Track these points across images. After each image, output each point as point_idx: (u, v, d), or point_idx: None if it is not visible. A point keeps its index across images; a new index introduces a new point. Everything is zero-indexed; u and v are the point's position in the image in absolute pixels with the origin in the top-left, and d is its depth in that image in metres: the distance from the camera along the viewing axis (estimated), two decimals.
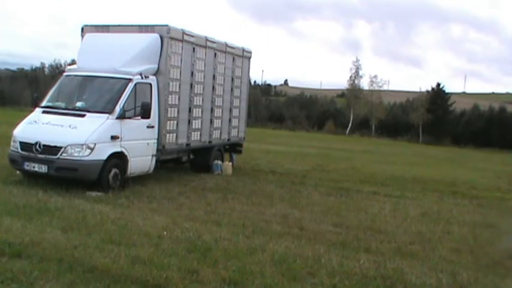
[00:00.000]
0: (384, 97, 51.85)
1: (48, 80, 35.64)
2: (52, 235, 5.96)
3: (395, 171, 17.14)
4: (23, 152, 9.20)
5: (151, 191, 9.42)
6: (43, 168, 8.95)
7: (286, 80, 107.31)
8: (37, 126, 9.47)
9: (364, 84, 52.46)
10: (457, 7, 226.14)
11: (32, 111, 10.26)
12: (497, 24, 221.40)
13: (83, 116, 9.38)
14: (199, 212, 8.08)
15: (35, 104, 10.37)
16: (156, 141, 10.38)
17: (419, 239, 7.43)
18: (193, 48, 11.42)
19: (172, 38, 10.59)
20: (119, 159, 9.43)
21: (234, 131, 13.89)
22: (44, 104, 10.15)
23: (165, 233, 6.46)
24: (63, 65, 48.79)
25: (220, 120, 12.93)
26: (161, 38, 10.44)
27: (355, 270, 5.57)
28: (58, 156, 8.88)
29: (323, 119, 51.39)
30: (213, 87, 12.41)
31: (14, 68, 62.37)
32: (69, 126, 9.15)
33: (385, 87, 54.76)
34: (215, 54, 12.35)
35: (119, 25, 11.02)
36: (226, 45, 12.90)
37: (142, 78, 10.00)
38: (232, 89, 13.44)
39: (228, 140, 13.64)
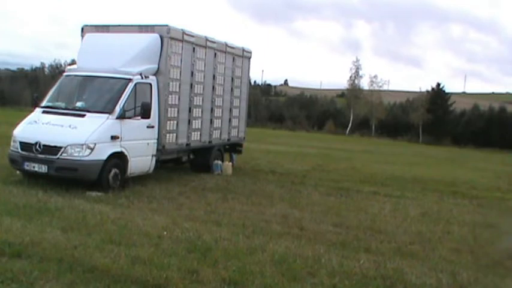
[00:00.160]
0: (384, 97, 51.86)
1: (48, 80, 35.65)
2: (52, 235, 5.96)
3: (395, 171, 17.14)
4: (23, 152, 9.20)
5: (151, 191, 9.42)
6: (43, 168, 8.95)
7: (286, 80, 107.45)
8: (37, 126, 9.47)
9: (364, 84, 52.57)
10: (457, 7, 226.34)
11: (32, 111, 10.26)
12: (497, 24, 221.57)
13: (83, 116, 9.38)
14: (199, 212, 8.08)
15: (35, 104, 10.37)
16: (156, 141, 10.38)
17: (419, 239, 7.43)
18: (193, 48, 11.42)
19: (172, 38, 10.59)
20: (119, 159, 9.43)
21: (234, 131, 13.89)
22: (44, 104, 10.15)
23: (165, 233, 6.46)
24: (63, 65, 48.83)
25: (220, 120, 12.94)
26: (161, 38, 10.44)
27: (355, 270, 5.56)
28: (58, 156, 8.88)
29: (323, 119, 51.39)
30: (213, 87, 12.42)
31: (14, 68, 62.48)
32: (69, 126, 9.15)
33: (385, 87, 54.85)
34: (215, 54, 12.36)
35: (119, 25, 11.02)
36: (226, 45, 12.90)
37: (142, 78, 10.00)
38: (232, 89, 13.44)
39: (228, 140, 13.64)
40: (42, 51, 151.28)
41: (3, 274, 4.67)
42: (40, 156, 8.98)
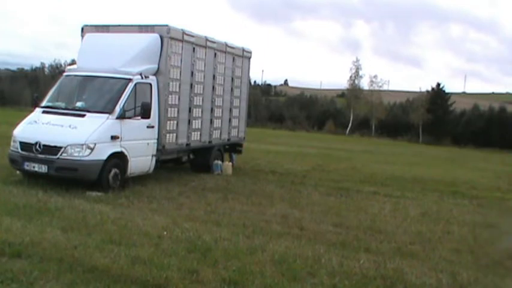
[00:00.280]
0: (384, 97, 51.83)
1: (48, 80, 35.65)
2: (52, 235, 5.96)
3: (395, 171, 17.14)
4: (23, 152, 9.20)
5: (151, 191, 9.42)
6: (43, 168, 8.95)
7: (286, 80, 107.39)
8: (37, 126, 9.47)
9: (364, 84, 52.49)
10: (456, 7, 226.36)
11: (32, 111, 10.26)
12: (497, 24, 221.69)
13: (83, 116, 9.38)
14: (199, 212, 8.08)
15: (35, 104, 10.37)
16: (156, 141, 10.38)
17: (419, 239, 7.44)
18: (193, 48, 11.42)
19: (172, 38, 10.59)
20: (119, 159, 9.43)
21: (234, 131, 13.89)
22: (44, 104, 10.15)
23: (165, 233, 6.46)
24: (63, 65, 48.83)
25: (220, 120, 12.94)
26: (161, 38, 10.44)
27: (355, 270, 5.57)
28: (58, 156, 8.88)
29: (323, 119, 51.36)
30: (213, 87, 12.42)
31: (14, 68, 62.48)
32: (69, 126, 9.15)
33: (385, 87, 54.80)
34: (215, 54, 12.35)
35: (119, 25, 11.02)
36: (226, 45, 12.91)
37: (142, 78, 10.00)
38: (232, 89, 13.44)
39: (228, 140, 13.64)
40: (42, 51, 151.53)
41: (3, 274, 4.67)
42: (40, 156, 8.98)
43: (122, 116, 9.42)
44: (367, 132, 48.89)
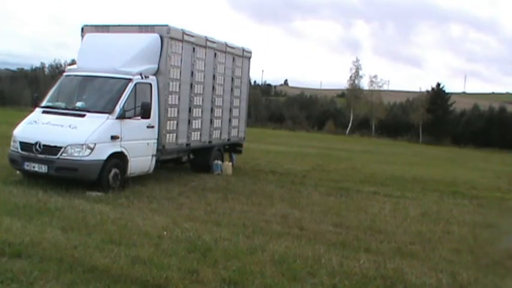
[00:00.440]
0: (384, 97, 51.83)
1: (48, 80, 35.65)
2: (52, 235, 5.96)
3: (395, 171, 17.14)
4: (23, 152, 9.20)
5: (151, 191, 9.42)
6: (43, 168, 8.95)
7: (286, 80, 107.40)
8: (37, 126, 9.47)
9: (364, 84, 52.49)
10: (456, 7, 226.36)
11: (32, 111, 10.26)
12: (497, 24, 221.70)
13: (83, 116, 9.38)
14: (199, 212, 8.08)
15: (35, 104, 10.37)
16: (156, 141, 10.37)
17: (419, 239, 7.43)
18: (193, 48, 11.42)
19: (172, 38, 10.59)
20: (119, 159, 9.43)
21: (234, 131, 13.89)
22: (44, 104, 10.15)
23: (165, 233, 6.46)
24: (63, 65, 48.83)
25: (220, 120, 12.94)
26: (161, 38, 10.44)
27: (355, 270, 5.57)
28: (58, 156, 8.88)
29: (323, 119, 51.35)
30: (213, 87, 12.42)
31: (14, 68, 62.48)
32: (69, 126, 9.15)
33: (385, 87, 54.80)
34: (215, 54, 12.36)
35: (119, 25, 11.02)
36: (226, 45, 12.91)
37: (142, 78, 10.00)
38: (232, 89, 13.44)
39: (228, 140, 13.64)
40: (42, 51, 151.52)
41: (3, 274, 4.67)
42: (40, 156, 8.98)
43: (122, 116, 9.42)
44: (367, 132, 48.89)
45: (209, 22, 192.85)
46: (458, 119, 46.06)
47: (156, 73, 10.41)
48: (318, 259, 5.86)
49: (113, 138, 9.26)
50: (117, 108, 9.42)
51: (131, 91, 9.72)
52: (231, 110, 13.49)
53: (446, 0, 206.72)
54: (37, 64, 75.24)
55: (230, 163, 13.61)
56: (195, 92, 11.62)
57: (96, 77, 10.19)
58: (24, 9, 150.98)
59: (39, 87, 39.97)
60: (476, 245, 7.35)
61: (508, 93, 79.86)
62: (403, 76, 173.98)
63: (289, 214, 8.45)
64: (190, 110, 11.48)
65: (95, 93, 10.19)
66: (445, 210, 10.04)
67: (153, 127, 10.24)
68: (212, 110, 12.48)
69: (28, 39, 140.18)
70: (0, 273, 4.69)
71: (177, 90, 10.93)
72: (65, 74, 10.94)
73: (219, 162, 13.04)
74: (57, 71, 48.29)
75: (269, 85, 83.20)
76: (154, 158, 10.39)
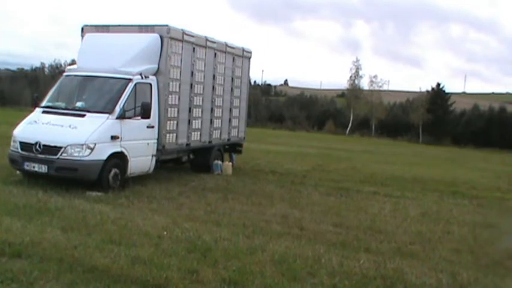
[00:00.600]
0: (384, 97, 51.83)
1: (48, 80, 35.65)
2: (52, 235, 5.96)
3: (395, 171, 17.14)
4: (23, 152, 9.20)
5: (151, 191, 9.42)
6: (43, 168, 8.95)
7: (286, 80, 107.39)
8: (37, 126, 9.47)
9: (364, 84, 52.50)
10: (456, 7, 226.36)
11: (32, 111, 10.26)
12: (497, 24, 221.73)
13: (83, 116, 9.38)
14: (199, 212, 8.08)
15: (35, 104, 10.37)
16: (156, 141, 10.37)
17: (419, 239, 7.44)
18: (193, 48, 11.42)
19: (172, 38, 10.59)
20: (119, 159, 9.43)
21: (234, 131, 13.89)
22: (44, 104, 10.15)
23: (165, 233, 6.46)
24: (63, 65, 48.83)
25: (220, 120, 12.94)
26: (161, 38, 10.44)
27: (355, 270, 5.57)
28: (58, 156, 8.88)
29: (323, 119, 51.36)
30: (213, 87, 12.41)
31: (14, 68, 62.49)
32: (69, 126, 9.15)
33: (385, 87, 54.80)
34: (215, 54, 12.35)
35: (119, 25, 11.02)
36: (226, 45, 12.90)
37: (142, 78, 10.00)
38: (232, 89, 13.44)
39: (228, 140, 13.64)
40: (42, 51, 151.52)
41: (3, 274, 4.68)
42: (40, 156, 8.98)
43: (122, 116, 9.42)
44: (367, 132, 48.89)
45: (209, 22, 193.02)
46: (458, 119, 46.07)
47: (156, 73, 10.41)
48: (318, 259, 5.85)
49: (113, 138, 9.26)
50: (117, 108, 9.42)
51: (131, 91, 9.72)
52: (231, 110, 13.49)
53: (446, 0, 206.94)
54: (37, 64, 75.34)
55: (230, 163, 13.61)
56: (195, 92, 11.62)
57: (96, 77, 10.19)
58: (24, 9, 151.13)
59: (39, 87, 39.97)
60: (476, 245, 7.35)
61: (508, 93, 79.85)
62: (403, 76, 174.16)
63: (289, 214, 8.45)
64: (190, 110, 11.48)
65: (95, 93, 10.19)
66: (445, 210, 10.04)
67: (153, 127, 10.24)
68: (212, 110, 12.48)
69: (28, 39, 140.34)
70: (0, 273, 4.69)
71: (177, 90, 10.93)
72: (65, 74, 10.94)
73: (219, 162, 13.04)
74: (57, 71, 48.30)
75: (269, 85, 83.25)
76: (154, 158, 10.39)
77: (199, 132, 11.97)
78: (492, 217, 10.05)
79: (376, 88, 51.57)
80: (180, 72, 10.99)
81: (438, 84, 48.12)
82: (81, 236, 6.04)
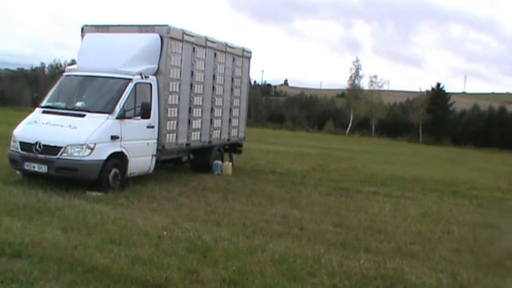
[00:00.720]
0: (384, 97, 51.83)
1: (48, 80, 35.65)
2: (52, 235, 5.96)
3: (395, 171, 17.14)
4: (23, 152, 9.20)
5: (151, 191, 9.42)
6: (43, 168, 8.95)
7: (286, 80, 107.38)
8: (37, 126, 9.47)
9: (364, 84, 52.50)
10: (456, 7, 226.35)
11: (32, 111, 10.26)
12: (497, 24, 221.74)
13: (83, 116, 9.38)
14: (199, 212, 8.08)
15: (35, 104, 10.37)
16: (156, 141, 10.38)
17: (419, 239, 7.44)
18: (193, 48, 11.42)
19: (172, 38, 10.59)
20: (119, 159, 9.43)
21: (234, 131, 13.89)
22: (44, 104, 10.15)
23: (165, 233, 6.46)
24: (63, 65, 48.83)
25: (220, 120, 12.94)
26: (161, 38, 10.44)
27: (355, 270, 5.57)
28: (58, 156, 8.88)
29: (323, 119, 51.36)
30: (213, 87, 12.41)
31: (14, 68, 62.49)
32: (69, 126, 9.15)
33: (385, 87, 54.80)
34: (215, 54, 12.35)
35: (119, 25, 11.02)
36: (226, 45, 12.91)
37: (142, 78, 10.00)
38: (232, 89, 13.44)
39: (228, 140, 13.64)
40: (42, 51, 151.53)
41: (3, 274, 4.67)
42: (40, 156, 8.98)
43: (122, 116, 9.42)
44: (367, 132, 48.89)
45: (209, 22, 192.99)
46: (458, 119, 46.07)
47: (156, 73, 10.41)
48: (318, 259, 5.85)
49: (113, 138, 9.26)
50: (117, 108, 9.42)
51: (131, 91, 9.72)
52: (231, 110, 13.49)
53: (446, 0, 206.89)
54: (37, 64, 75.33)
55: (230, 163, 13.61)
56: (195, 92, 11.62)
57: (96, 77, 10.19)
58: (24, 9, 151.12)
59: (39, 87, 39.97)
60: (476, 245, 7.35)
61: (508, 93, 79.85)
62: (403, 76, 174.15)
63: (289, 214, 8.45)
64: (190, 110, 11.48)
65: (95, 93, 10.19)
66: (445, 210, 10.04)
67: (153, 127, 10.24)
68: (212, 110, 12.48)
69: (28, 39, 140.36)
70: (0, 273, 4.69)
71: (177, 90, 10.93)
72: (65, 74, 10.94)
73: (219, 162, 13.04)
74: (57, 71, 48.29)
75: (269, 85, 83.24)
76: (154, 158, 10.39)
77: (199, 132, 11.98)
78: (492, 217, 10.05)
79: (376, 88, 51.62)
80: (180, 72, 10.99)
81: (438, 84, 48.17)
82: (81, 236, 6.04)
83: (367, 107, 49.48)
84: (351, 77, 51.82)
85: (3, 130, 14.89)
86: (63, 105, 10.06)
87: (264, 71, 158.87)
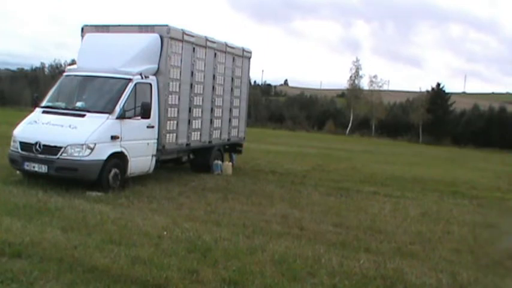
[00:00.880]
0: (384, 97, 51.84)
1: (48, 80, 35.65)
2: (52, 235, 5.96)
3: (395, 171, 17.14)
4: (23, 152, 9.20)
5: (151, 191, 9.42)
6: (43, 168, 8.95)
7: (286, 80, 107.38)
8: (37, 126, 9.47)
9: (364, 84, 52.50)
10: (456, 7, 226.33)
11: (32, 111, 10.26)
12: (497, 24, 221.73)
13: (83, 116, 9.38)
14: (199, 212, 8.08)
15: (35, 104, 10.37)
16: (156, 141, 10.38)
17: (419, 239, 7.44)
18: (193, 48, 11.42)
19: (172, 38, 10.59)
20: (119, 159, 9.43)
21: (234, 131, 13.89)
22: (44, 104, 10.15)
23: (165, 233, 6.46)
24: (63, 65, 48.83)
25: (220, 120, 12.94)
26: (161, 38, 10.44)
27: (355, 270, 5.57)
28: (58, 156, 8.88)
29: (323, 119, 51.37)
30: (213, 87, 12.42)
31: (14, 68, 62.49)
32: (69, 126, 9.15)
33: (385, 87, 54.80)
34: (215, 54, 12.35)
35: (119, 25, 11.02)
36: (226, 45, 12.90)
37: (142, 78, 10.00)
38: (232, 89, 13.44)
39: (228, 140, 13.64)
40: (42, 51, 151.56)
41: (3, 274, 4.68)
42: (40, 156, 8.98)
43: (122, 116, 9.42)
44: (367, 132, 48.90)
45: (209, 22, 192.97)
46: (458, 119, 46.07)
47: (156, 73, 10.41)
48: (318, 259, 5.85)
49: (113, 138, 9.26)
50: (117, 108, 9.42)
51: (131, 91, 9.72)
52: (231, 110, 13.49)
53: (446, 0, 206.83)
54: (37, 64, 75.34)
55: (230, 163, 13.61)
56: (195, 92, 11.62)
57: (96, 77, 10.19)
58: (24, 9, 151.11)
59: (39, 87, 39.97)
60: (476, 245, 7.35)
61: (508, 93, 79.85)
62: (403, 76, 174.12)
63: (289, 214, 8.45)
64: (190, 110, 11.48)
65: (95, 93, 10.19)
66: (445, 210, 10.04)
67: (153, 127, 10.24)
68: (212, 110, 12.48)
69: (28, 39, 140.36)
70: (0, 273, 4.69)
71: (177, 90, 10.93)
72: (65, 74, 10.94)
73: (219, 162, 13.04)
74: (57, 71, 48.29)
75: (269, 85, 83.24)
76: (154, 158, 10.39)
77: (199, 132, 11.98)
78: (492, 217, 10.05)
79: (376, 88, 51.62)
80: (180, 72, 10.99)
81: (438, 84, 48.16)
82: (81, 236, 6.05)
83: (367, 107, 49.48)
84: (350, 77, 51.89)
85: (3, 130, 14.89)
86: (63, 105, 10.06)
87: (264, 71, 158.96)
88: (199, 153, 12.51)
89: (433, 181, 14.96)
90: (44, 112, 9.82)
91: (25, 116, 10.18)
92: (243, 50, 13.81)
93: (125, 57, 10.10)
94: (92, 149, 8.93)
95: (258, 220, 7.78)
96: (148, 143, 10.17)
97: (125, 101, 9.56)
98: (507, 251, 7.21)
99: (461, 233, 8.08)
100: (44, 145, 8.99)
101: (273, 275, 5.19)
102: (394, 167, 18.91)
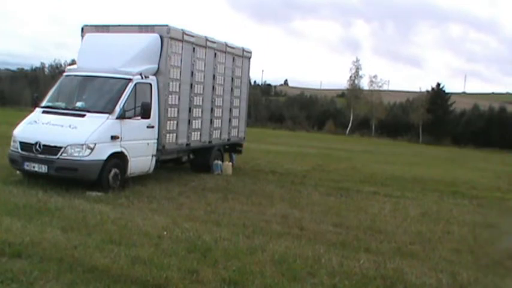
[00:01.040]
0: (384, 97, 51.84)
1: (48, 80, 35.66)
2: (52, 235, 5.96)
3: (395, 171, 17.14)
4: (23, 152, 9.20)
5: (151, 191, 9.42)
6: (43, 168, 8.95)
7: (286, 80, 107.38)
8: (37, 126, 9.47)
9: (364, 84, 52.51)
10: (456, 7, 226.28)
11: (32, 111, 10.26)
12: (497, 24, 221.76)
13: (83, 116, 9.38)
14: (199, 212, 8.08)
15: (35, 104, 10.37)
16: (156, 141, 10.38)
17: (419, 239, 7.44)
18: (193, 48, 11.42)
19: (172, 38, 10.59)
20: (119, 159, 9.43)
21: (234, 131, 13.89)
22: (44, 104, 10.15)
23: (165, 233, 6.46)
24: (63, 65, 48.84)
25: (220, 120, 12.94)
26: (161, 38, 10.44)
27: (355, 270, 5.57)
28: (58, 156, 8.88)
29: (323, 119, 51.37)
30: (213, 87, 12.42)
31: (14, 68, 62.49)
32: (69, 126, 9.15)
33: (385, 87, 54.81)
34: (215, 54, 12.35)
35: (119, 25, 11.02)
36: (226, 45, 12.91)
37: (142, 78, 10.00)
38: (232, 89, 13.44)
39: (228, 140, 13.64)
40: (42, 51, 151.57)
41: (3, 274, 4.68)
42: (40, 156, 8.98)
43: (122, 116, 9.42)
44: (367, 132, 48.90)
45: (209, 22, 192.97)
46: (458, 119, 46.07)
47: (156, 73, 10.41)
48: (318, 259, 5.86)
49: (113, 138, 9.26)
50: (117, 108, 9.42)
51: (131, 91, 9.72)
52: (231, 110, 13.49)
53: (446, 0, 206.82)
54: (37, 64, 75.34)
55: (230, 163, 13.61)
56: (195, 92, 11.62)
57: (96, 77, 10.19)
58: (24, 9, 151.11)
59: (39, 87, 39.97)
60: (476, 245, 7.35)
61: (508, 93, 79.85)
62: (403, 76, 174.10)
63: (289, 214, 8.45)
64: (190, 110, 11.48)
65: (95, 93, 10.19)
66: (445, 210, 10.05)
67: (153, 127, 10.25)
68: (212, 110, 12.48)
69: (28, 39, 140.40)
70: (0, 273, 4.69)
71: (177, 90, 10.93)
72: (65, 74, 10.94)
73: (219, 162, 13.04)
74: (57, 71, 48.29)
75: (269, 85, 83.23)
76: (154, 158, 10.39)
77: (199, 132, 11.98)
78: (492, 217, 10.05)
79: (376, 88, 51.63)
80: (180, 72, 10.99)
81: (438, 84, 48.17)
82: (81, 236, 6.05)
83: (367, 107, 49.49)
84: (350, 77, 51.89)
85: (3, 130, 14.89)
86: (63, 105, 10.06)
87: (264, 71, 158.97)
88: (199, 153, 12.51)
89: (433, 181, 14.96)
90: (44, 112, 9.82)
91: (25, 116, 10.18)
92: (243, 50, 13.81)
93: (125, 57, 10.10)
94: (92, 149, 8.93)
95: (258, 220, 7.78)
96: (148, 143, 10.18)
97: (125, 101, 9.56)
98: (507, 251, 7.21)
99: (461, 233, 8.08)
100: (44, 145, 8.98)
101: (273, 275, 5.19)
102: (394, 167, 18.91)
